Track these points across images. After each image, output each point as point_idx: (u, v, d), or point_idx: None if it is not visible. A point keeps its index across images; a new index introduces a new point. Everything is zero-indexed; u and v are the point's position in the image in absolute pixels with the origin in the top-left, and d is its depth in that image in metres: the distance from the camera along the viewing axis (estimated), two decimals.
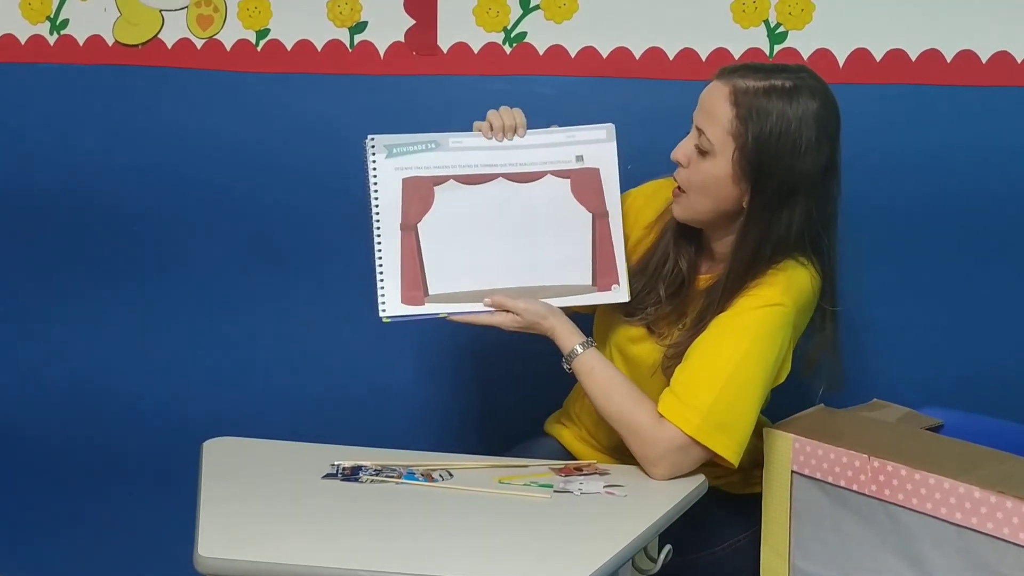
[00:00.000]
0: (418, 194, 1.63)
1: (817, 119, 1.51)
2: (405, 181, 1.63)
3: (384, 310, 1.62)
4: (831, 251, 1.59)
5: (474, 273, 1.62)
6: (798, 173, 1.51)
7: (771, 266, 1.55)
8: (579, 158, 1.65)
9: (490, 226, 1.64)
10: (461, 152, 1.65)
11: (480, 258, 1.63)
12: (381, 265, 1.62)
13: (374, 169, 1.64)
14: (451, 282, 1.62)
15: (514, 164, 1.65)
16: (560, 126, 1.68)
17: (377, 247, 1.62)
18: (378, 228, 1.62)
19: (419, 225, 1.63)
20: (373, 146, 1.64)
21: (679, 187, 1.60)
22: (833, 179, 1.57)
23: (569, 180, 1.65)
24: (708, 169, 1.54)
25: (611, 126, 1.66)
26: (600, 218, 1.64)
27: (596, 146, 1.65)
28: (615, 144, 1.65)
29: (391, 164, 1.63)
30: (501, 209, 1.64)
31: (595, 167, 1.65)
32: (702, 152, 1.55)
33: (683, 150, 1.57)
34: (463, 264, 1.63)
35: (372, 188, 1.63)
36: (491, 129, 1.66)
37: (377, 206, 1.63)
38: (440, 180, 1.64)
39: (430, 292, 1.62)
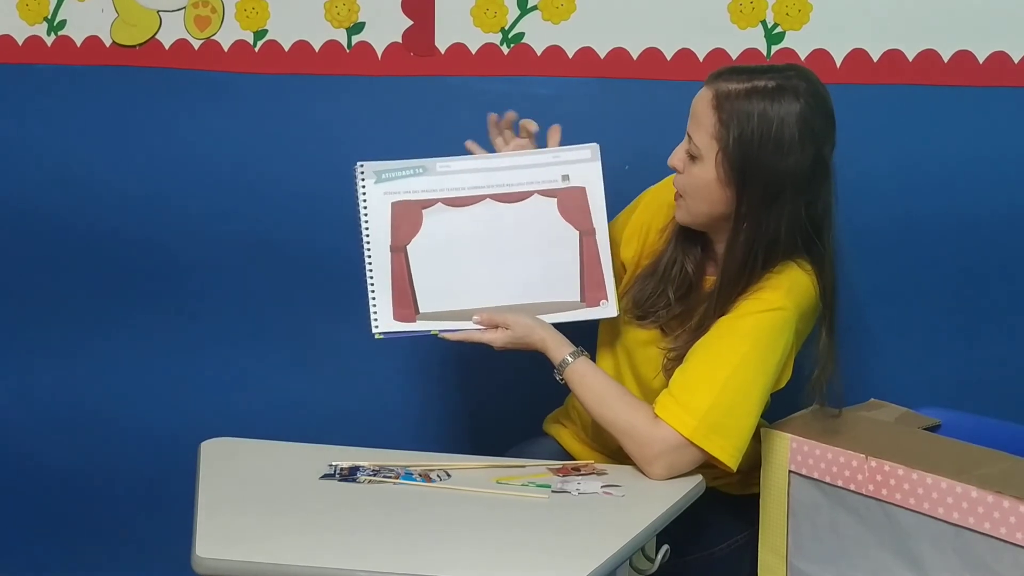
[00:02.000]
0: (407, 217, 1.66)
1: (800, 119, 1.50)
2: (394, 205, 1.67)
3: (376, 326, 1.65)
4: (827, 256, 1.58)
5: (464, 292, 1.65)
6: (782, 173, 1.51)
7: (767, 269, 1.55)
8: (565, 177, 1.67)
9: (478, 246, 1.66)
10: (448, 176, 1.67)
11: (469, 277, 1.65)
12: (372, 285, 1.66)
13: (364, 194, 1.67)
14: (441, 301, 1.65)
15: (500, 185, 1.67)
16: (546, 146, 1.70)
17: (368, 268, 1.66)
18: (368, 250, 1.66)
19: (408, 247, 1.66)
20: (363, 173, 1.68)
21: (677, 192, 1.60)
22: (823, 180, 1.55)
23: (556, 199, 1.67)
24: (698, 174, 1.55)
25: (595, 146, 1.67)
26: (587, 235, 1.66)
27: (581, 165, 1.67)
28: (600, 163, 1.66)
29: (380, 189, 1.67)
30: (489, 229, 1.66)
31: (581, 186, 1.66)
32: (692, 157, 1.56)
33: (678, 156, 1.59)
34: (452, 284, 1.65)
35: (362, 213, 1.67)
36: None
37: (367, 230, 1.66)
38: (428, 203, 1.67)
39: (421, 311, 1.65)
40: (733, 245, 1.55)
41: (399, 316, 1.65)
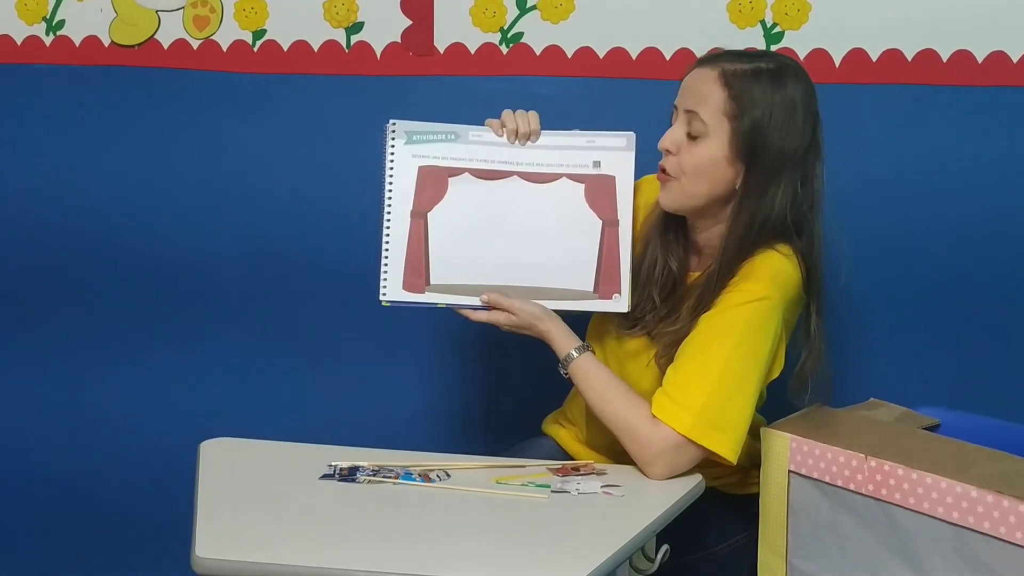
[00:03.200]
0: (432, 183, 1.64)
1: (802, 98, 1.55)
2: (421, 169, 1.65)
3: (384, 293, 1.63)
4: (816, 235, 1.60)
5: (477, 268, 1.63)
6: (787, 151, 1.55)
7: (758, 250, 1.56)
8: (596, 164, 1.65)
9: (499, 223, 1.64)
10: (480, 146, 1.66)
11: (485, 253, 1.64)
12: (387, 249, 1.63)
13: (392, 154, 1.65)
14: (453, 274, 1.63)
15: (530, 164, 1.66)
16: (581, 130, 1.68)
17: (386, 231, 1.63)
18: (389, 212, 1.64)
19: (429, 214, 1.64)
20: (394, 131, 1.66)
21: (667, 175, 1.59)
22: (816, 158, 1.59)
23: (584, 185, 1.65)
24: (703, 152, 1.56)
25: (632, 135, 1.65)
26: (610, 226, 1.64)
27: (615, 153, 1.65)
28: (634, 153, 1.65)
29: (409, 151, 1.65)
30: (512, 207, 1.65)
31: (611, 174, 1.65)
32: (693, 136, 1.56)
33: (671, 138, 1.59)
34: (468, 257, 1.63)
35: (388, 172, 1.65)
36: (502, 128, 1.66)
37: (391, 191, 1.64)
38: (455, 172, 1.65)
39: (432, 282, 1.63)
40: (736, 223, 1.57)
41: (408, 286, 1.63)
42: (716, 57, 1.59)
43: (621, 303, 1.63)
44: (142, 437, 2.20)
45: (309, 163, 2.08)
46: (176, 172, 2.12)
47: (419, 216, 1.64)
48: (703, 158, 1.56)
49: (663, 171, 1.60)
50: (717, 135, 1.55)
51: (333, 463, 1.52)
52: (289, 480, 1.49)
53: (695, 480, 1.50)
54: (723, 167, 1.56)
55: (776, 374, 1.58)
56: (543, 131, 1.67)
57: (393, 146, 1.65)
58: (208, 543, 1.27)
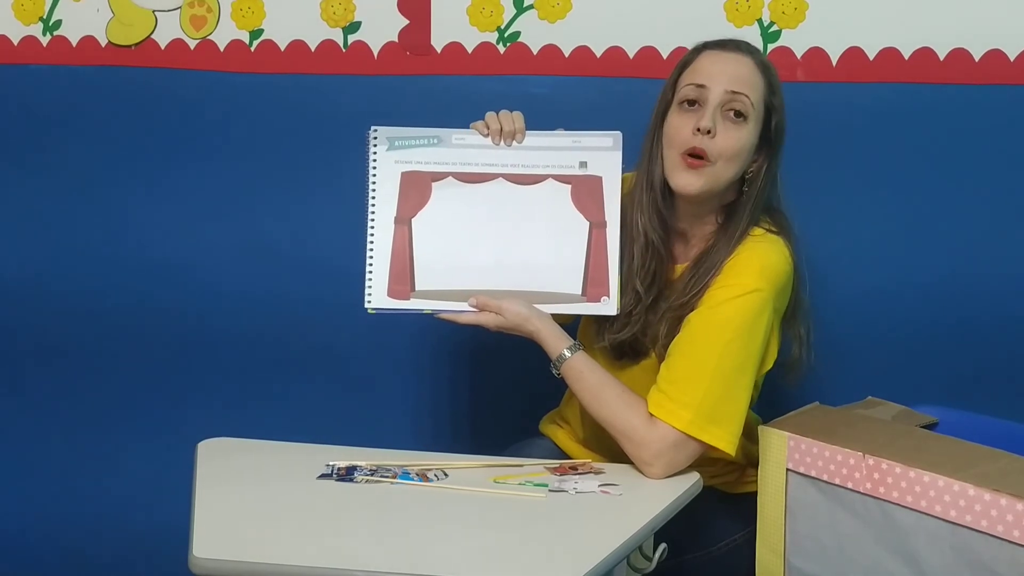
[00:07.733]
0: (415, 189, 1.64)
1: None
2: (404, 175, 1.64)
3: (369, 301, 1.63)
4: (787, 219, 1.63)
5: (463, 272, 1.63)
6: (783, 136, 1.61)
7: (749, 231, 1.58)
8: (583, 164, 1.64)
9: (484, 226, 1.64)
10: (463, 149, 1.65)
11: (471, 257, 1.63)
12: (371, 256, 1.63)
13: (374, 161, 1.65)
14: (439, 279, 1.63)
15: (515, 165, 1.65)
16: (566, 130, 1.67)
17: (370, 238, 1.63)
18: (372, 219, 1.64)
19: (413, 220, 1.64)
20: (375, 137, 1.65)
21: (704, 159, 1.55)
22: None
23: (570, 186, 1.64)
24: (745, 136, 1.56)
25: (618, 134, 1.64)
26: (597, 227, 1.63)
27: (601, 153, 1.64)
28: (620, 153, 1.64)
29: (391, 157, 1.65)
30: (497, 210, 1.64)
31: (598, 175, 1.64)
32: (735, 119, 1.55)
33: (711, 119, 1.55)
34: (453, 262, 1.63)
35: (371, 179, 1.64)
36: (487, 129, 1.66)
37: (374, 198, 1.64)
38: (439, 176, 1.65)
39: (417, 287, 1.63)
40: (736, 206, 1.59)
41: (393, 292, 1.62)
42: (732, 44, 1.60)
43: (609, 306, 1.62)
44: (140, 437, 2.20)
45: (306, 163, 2.08)
46: (173, 172, 2.12)
47: (403, 222, 1.64)
48: (746, 141, 1.56)
49: (699, 155, 1.55)
50: (754, 120, 1.56)
51: (331, 463, 1.52)
52: (287, 480, 1.49)
53: (693, 479, 1.50)
54: (751, 152, 1.58)
55: (770, 365, 1.59)
56: (528, 131, 1.66)
57: (375, 153, 1.65)
58: (205, 543, 1.26)
